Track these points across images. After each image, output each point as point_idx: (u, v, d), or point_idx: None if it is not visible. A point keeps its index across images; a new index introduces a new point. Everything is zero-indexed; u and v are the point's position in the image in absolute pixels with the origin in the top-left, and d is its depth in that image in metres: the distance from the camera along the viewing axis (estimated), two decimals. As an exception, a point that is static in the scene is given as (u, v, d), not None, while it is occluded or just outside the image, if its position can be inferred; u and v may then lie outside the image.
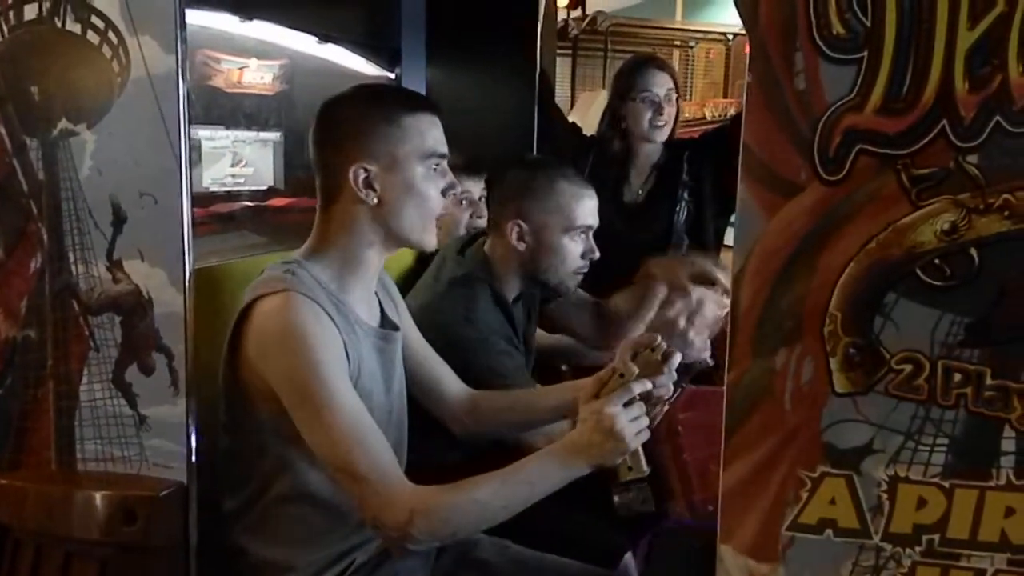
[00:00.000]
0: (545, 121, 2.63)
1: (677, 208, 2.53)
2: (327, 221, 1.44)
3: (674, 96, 2.56)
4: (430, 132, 1.43)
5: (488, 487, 1.32)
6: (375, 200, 1.40)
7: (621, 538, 1.79)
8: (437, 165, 1.44)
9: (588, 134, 2.78)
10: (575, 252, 1.88)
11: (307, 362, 1.30)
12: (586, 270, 1.93)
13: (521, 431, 1.58)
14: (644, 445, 1.37)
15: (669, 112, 2.52)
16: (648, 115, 2.50)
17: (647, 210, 2.55)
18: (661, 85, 2.51)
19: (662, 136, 2.54)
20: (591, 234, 1.90)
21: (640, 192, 2.58)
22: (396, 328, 1.54)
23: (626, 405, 1.33)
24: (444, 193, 1.45)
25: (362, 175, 1.39)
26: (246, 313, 1.36)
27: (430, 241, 1.47)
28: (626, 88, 2.55)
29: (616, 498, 1.41)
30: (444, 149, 1.45)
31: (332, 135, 1.43)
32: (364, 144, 1.39)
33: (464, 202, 2.24)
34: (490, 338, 1.81)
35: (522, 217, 1.85)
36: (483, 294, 1.86)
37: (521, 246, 1.86)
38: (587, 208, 1.88)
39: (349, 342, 1.37)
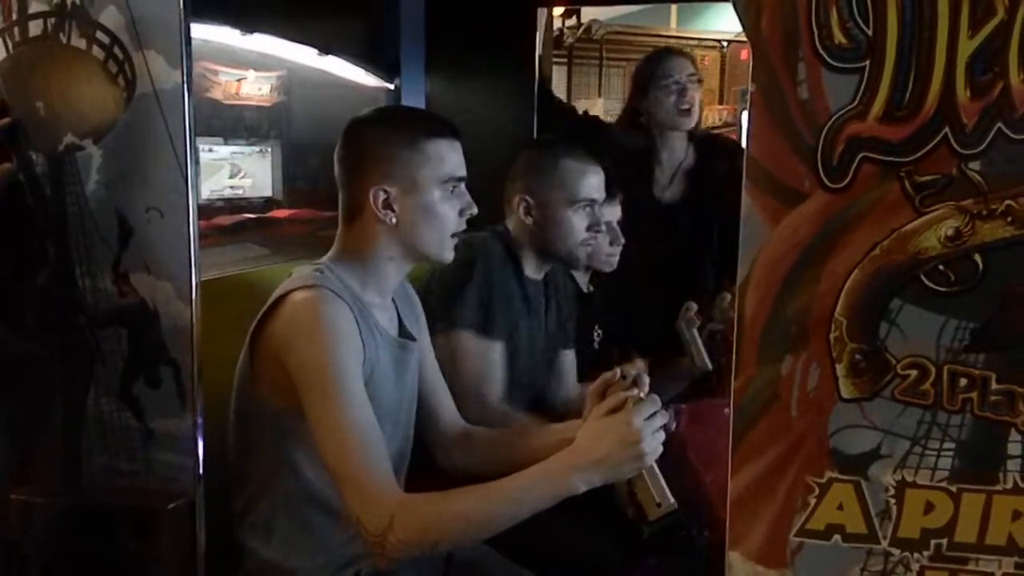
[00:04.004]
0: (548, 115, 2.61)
1: (711, 208, 2.49)
2: (349, 234, 1.50)
3: (696, 81, 2.51)
4: (449, 157, 1.48)
5: (474, 500, 1.30)
6: (393, 220, 1.45)
7: (622, 556, 1.79)
8: (455, 187, 1.49)
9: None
10: (580, 225, 1.95)
11: (328, 354, 1.33)
12: (594, 242, 2.00)
13: (511, 470, 1.54)
14: (665, 475, 1.34)
15: (693, 96, 2.48)
16: (672, 100, 2.47)
17: (680, 210, 2.51)
18: (682, 70, 2.49)
19: (689, 122, 2.50)
20: (597, 207, 1.98)
21: (669, 189, 2.54)
22: (413, 339, 1.56)
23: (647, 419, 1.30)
24: (462, 213, 1.50)
25: (382, 196, 1.44)
26: (273, 308, 1.40)
27: (448, 256, 1.52)
28: (647, 79, 2.52)
29: (647, 536, 1.37)
30: (462, 172, 1.50)
31: (354, 155, 1.48)
32: (385, 167, 1.45)
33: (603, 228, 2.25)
34: (488, 262, 1.84)
35: (528, 192, 1.95)
36: (496, 242, 1.92)
37: (528, 220, 1.95)
38: (590, 183, 1.96)
39: (367, 344, 1.41)
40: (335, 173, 1.51)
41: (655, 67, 2.53)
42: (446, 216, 1.48)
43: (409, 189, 1.45)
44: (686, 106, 2.48)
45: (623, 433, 1.29)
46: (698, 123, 2.56)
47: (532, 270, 1.99)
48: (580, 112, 2.92)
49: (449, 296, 1.78)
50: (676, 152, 2.55)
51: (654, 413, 1.31)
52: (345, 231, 1.50)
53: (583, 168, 1.96)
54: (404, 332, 1.56)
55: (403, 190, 1.45)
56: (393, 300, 1.56)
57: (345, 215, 1.50)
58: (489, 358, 1.81)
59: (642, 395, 1.34)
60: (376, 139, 1.47)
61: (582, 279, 2.35)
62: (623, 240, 2.24)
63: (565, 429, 1.53)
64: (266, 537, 1.45)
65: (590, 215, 1.96)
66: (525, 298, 1.94)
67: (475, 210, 1.53)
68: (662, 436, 1.32)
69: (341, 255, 1.50)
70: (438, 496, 1.30)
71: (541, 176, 1.95)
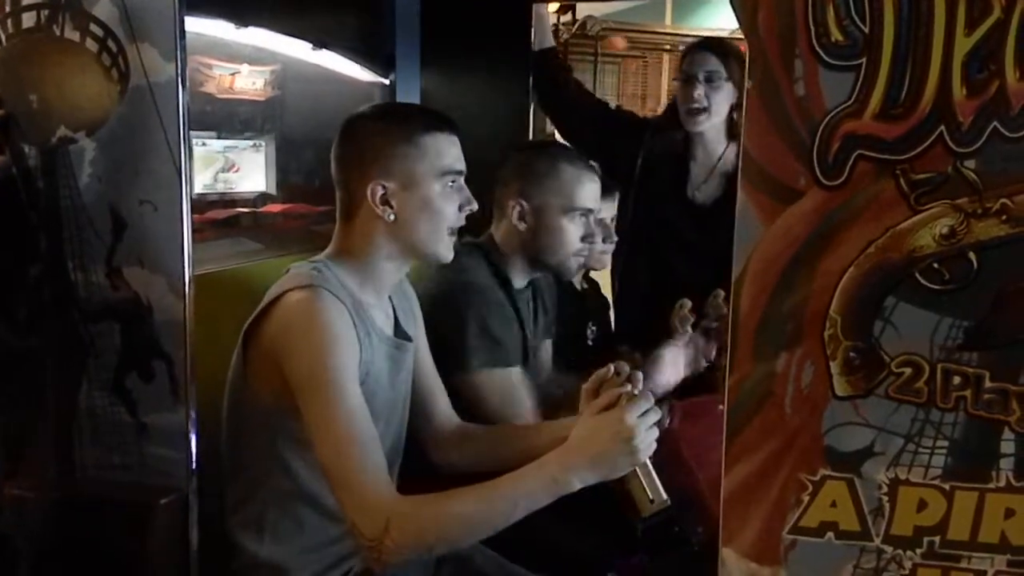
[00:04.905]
0: (570, 104, 2.57)
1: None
2: (347, 232, 1.48)
3: (720, 79, 2.30)
4: (447, 151, 1.46)
5: (470, 501, 1.29)
6: (392, 216, 1.43)
7: (604, 554, 1.78)
8: (453, 182, 1.47)
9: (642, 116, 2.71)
10: (574, 234, 1.89)
11: (326, 357, 1.32)
12: (586, 253, 1.93)
13: (507, 467, 1.46)
14: (657, 472, 1.33)
15: (705, 93, 2.30)
16: (682, 96, 2.33)
17: (718, 212, 2.35)
18: (700, 64, 2.31)
19: (695, 123, 2.34)
20: (592, 217, 1.92)
21: (703, 189, 2.42)
22: (409, 339, 1.56)
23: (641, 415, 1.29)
24: (461, 209, 1.49)
25: (379, 192, 1.43)
26: (269, 307, 1.38)
27: (447, 254, 1.50)
28: (677, 71, 2.41)
29: (640, 532, 1.36)
30: (461, 166, 1.49)
31: (351, 151, 1.47)
32: (382, 162, 1.43)
33: (597, 225, 2.22)
34: (477, 292, 1.79)
35: (523, 197, 1.87)
36: (479, 259, 1.87)
37: (521, 226, 1.88)
38: (588, 191, 1.90)
39: (363, 345, 1.39)
40: (332, 172, 1.50)
41: (681, 58, 2.41)
42: (445, 211, 1.46)
43: (407, 184, 1.44)
44: (694, 104, 2.31)
45: (617, 430, 1.28)
46: (735, 123, 2.36)
47: (519, 279, 1.94)
48: (613, 106, 2.81)
49: (452, 345, 1.73)
50: (712, 151, 2.41)
51: (647, 410, 1.31)
52: (343, 230, 1.49)
53: (581, 175, 1.89)
54: (400, 332, 1.54)
55: (401, 185, 1.44)
56: (390, 298, 1.55)
57: (343, 213, 1.49)
58: (512, 385, 1.77)
59: (636, 391, 1.34)
60: (373, 135, 1.45)
61: (576, 277, 2.34)
62: (615, 238, 2.23)
63: (561, 427, 1.52)
64: (257, 534, 1.44)
65: (585, 224, 1.90)
66: (516, 312, 1.90)
67: (475, 206, 1.51)
68: (655, 432, 1.31)
69: (339, 254, 1.48)
70: (433, 498, 1.29)
71: (537, 180, 1.88)
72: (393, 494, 1.30)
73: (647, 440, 1.29)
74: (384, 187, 1.43)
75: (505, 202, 1.90)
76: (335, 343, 1.33)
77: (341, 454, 1.29)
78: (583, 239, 1.90)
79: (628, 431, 1.28)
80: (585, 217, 1.90)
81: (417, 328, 1.63)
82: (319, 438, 1.30)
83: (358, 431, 1.30)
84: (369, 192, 1.43)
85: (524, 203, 1.87)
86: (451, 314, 1.74)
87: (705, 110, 2.32)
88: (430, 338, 1.70)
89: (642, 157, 2.47)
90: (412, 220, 1.44)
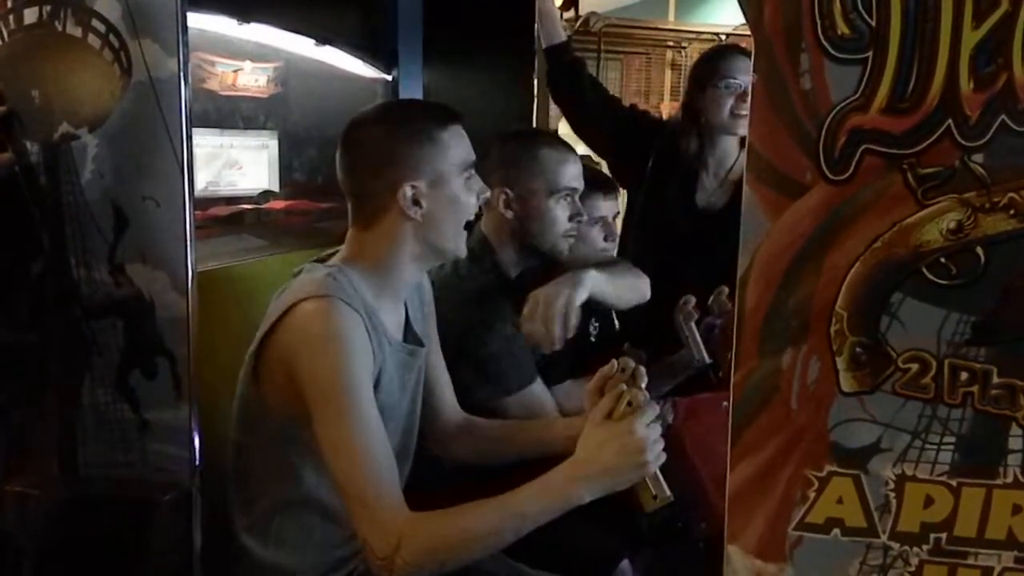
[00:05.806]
0: (592, 107, 2.58)
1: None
2: (367, 239, 1.46)
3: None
4: (462, 143, 1.47)
5: (480, 517, 1.28)
6: (421, 216, 1.42)
7: (616, 546, 1.78)
8: (471, 175, 1.47)
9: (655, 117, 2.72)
10: (562, 215, 1.89)
11: (342, 370, 1.30)
12: (575, 233, 1.93)
13: (512, 462, 1.47)
14: (661, 468, 1.32)
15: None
16: (729, 104, 2.35)
17: (726, 220, 2.27)
18: (745, 72, 2.33)
19: (739, 126, 2.37)
20: (577, 197, 1.92)
21: (712, 196, 2.44)
22: (421, 344, 1.55)
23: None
24: (477, 198, 1.49)
25: (410, 192, 1.41)
26: (283, 315, 1.36)
27: (462, 250, 1.51)
28: (706, 75, 2.41)
29: (645, 527, 1.36)
30: (474, 156, 1.49)
31: (366, 158, 1.44)
32: (409, 163, 1.42)
33: (598, 223, 2.22)
34: (495, 324, 1.78)
35: (507, 184, 1.87)
36: (486, 269, 1.86)
37: (509, 214, 1.88)
38: (571, 171, 1.90)
39: (376, 353, 1.38)
40: (341, 181, 1.47)
41: (717, 64, 2.41)
42: (468, 204, 1.47)
43: (436, 181, 1.43)
44: (744, 111, 2.33)
45: (626, 443, 1.27)
46: None
47: (513, 271, 1.93)
48: (627, 105, 2.81)
49: (479, 375, 1.73)
50: (726, 158, 2.44)
51: (654, 419, 1.30)
52: (363, 237, 1.46)
53: (562, 156, 1.90)
54: (411, 336, 1.53)
55: (430, 183, 1.42)
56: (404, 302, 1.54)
57: (361, 221, 1.46)
58: (539, 400, 1.78)
59: (640, 386, 1.33)
60: (388, 138, 1.43)
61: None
62: (618, 236, 2.22)
63: (566, 424, 1.52)
64: (263, 538, 1.43)
65: (572, 205, 1.90)
66: (515, 309, 1.90)
67: (488, 194, 1.52)
68: (663, 443, 1.31)
69: (356, 260, 1.45)
70: (443, 514, 1.28)
71: (520, 167, 1.88)
72: (405, 511, 1.29)
73: (656, 450, 1.28)
74: (414, 187, 1.41)
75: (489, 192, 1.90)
76: (351, 357, 1.31)
77: (354, 470, 1.28)
78: (571, 219, 1.90)
79: (638, 443, 1.27)
80: (571, 197, 1.90)
81: (428, 328, 1.62)
82: (333, 452, 1.29)
83: (373, 447, 1.29)
84: (400, 195, 1.41)
85: (509, 191, 1.87)
86: (477, 344, 1.74)
87: (746, 115, 2.34)
88: (458, 362, 1.70)
89: (653, 159, 2.46)
90: (440, 217, 1.44)
